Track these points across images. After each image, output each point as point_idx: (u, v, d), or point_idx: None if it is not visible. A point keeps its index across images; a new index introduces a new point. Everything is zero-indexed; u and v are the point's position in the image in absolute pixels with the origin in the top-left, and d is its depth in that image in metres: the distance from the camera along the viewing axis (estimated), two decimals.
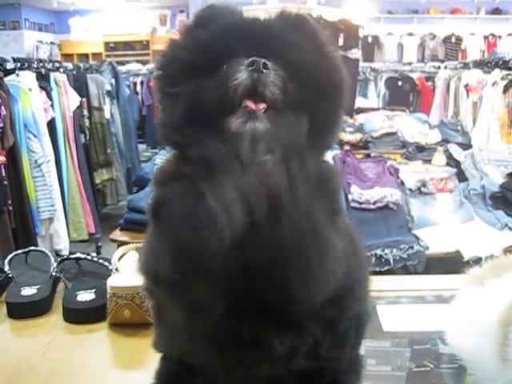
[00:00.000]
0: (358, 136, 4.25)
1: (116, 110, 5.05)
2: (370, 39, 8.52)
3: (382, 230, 2.84)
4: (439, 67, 6.56)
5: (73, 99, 3.98)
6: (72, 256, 1.20)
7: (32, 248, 1.24)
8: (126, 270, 1.05)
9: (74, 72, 4.38)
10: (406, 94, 6.85)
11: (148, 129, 6.72)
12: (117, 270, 1.07)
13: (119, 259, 1.11)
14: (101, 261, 1.16)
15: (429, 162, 3.78)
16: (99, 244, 4.19)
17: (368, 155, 3.57)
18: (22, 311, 1.02)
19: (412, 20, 9.28)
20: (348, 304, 0.60)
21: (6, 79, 3.20)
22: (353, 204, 2.92)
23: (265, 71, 0.54)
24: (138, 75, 7.34)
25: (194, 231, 0.49)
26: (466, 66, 5.54)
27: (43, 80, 3.64)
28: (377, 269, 2.63)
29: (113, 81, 5.11)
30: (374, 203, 2.94)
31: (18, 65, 3.45)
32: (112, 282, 0.96)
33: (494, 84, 4.46)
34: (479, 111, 4.69)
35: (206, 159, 0.52)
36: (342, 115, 0.60)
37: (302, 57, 0.57)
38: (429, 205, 3.14)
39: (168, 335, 0.62)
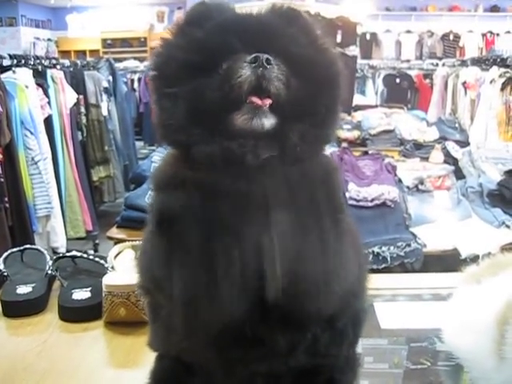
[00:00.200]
0: (355, 133, 4.24)
1: (113, 107, 5.03)
2: (368, 36, 8.51)
3: (379, 228, 2.84)
4: (437, 64, 6.56)
5: (70, 96, 3.97)
6: (68, 254, 1.20)
7: (27, 246, 1.23)
8: (122, 268, 1.04)
9: (71, 69, 4.36)
10: (403, 91, 6.84)
11: (145, 126, 6.70)
12: (113, 268, 1.06)
13: (115, 257, 1.10)
14: (97, 259, 1.15)
15: (426, 159, 3.77)
16: (96, 241, 4.19)
17: (366, 152, 3.57)
18: (18, 309, 1.01)
19: (410, 17, 9.27)
20: (347, 300, 0.60)
21: (3, 76, 3.19)
22: (350, 201, 2.91)
23: (268, 66, 0.54)
24: (135, 72, 7.33)
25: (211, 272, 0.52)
26: (463, 63, 5.54)
27: (40, 77, 3.62)
28: (374, 266, 2.62)
29: (110, 78, 5.10)
30: (372, 201, 2.93)
31: (15, 62, 3.44)
32: (107, 280, 0.96)
33: (491, 81, 4.46)
34: (477, 109, 4.69)
35: (212, 158, 0.52)
36: (340, 108, 0.60)
37: (300, 51, 0.57)
38: (426, 202, 3.14)
39: (164, 333, 0.61)
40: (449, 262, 2.73)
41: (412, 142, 4.13)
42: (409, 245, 2.79)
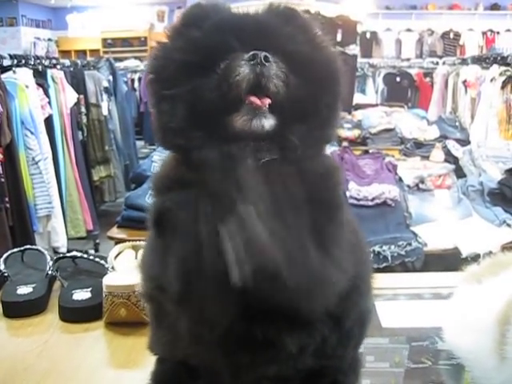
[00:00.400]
0: (356, 132, 4.24)
1: (114, 106, 5.03)
2: (368, 35, 8.49)
3: (380, 227, 2.83)
4: (437, 63, 6.56)
5: (70, 96, 3.97)
6: (68, 254, 1.20)
7: (28, 246, 1.23)
8: (122, 268, 1.04)
9: (72, 69, 4.36)
10: (404, 89, 6.85)
11: (146, 125, 6.70)
12: (113, 268, 1.06)
13: (115, 257, 1.10)
14: (97, 259, 1.15)
15: (427, 158, 3.77)
16: (97, 241, 4.19)
17: (366, 151, 3.56)
18: (18, 310, 1.01)
19: (410, 16, 9.25)
20: (354, 299, 0.59)
21: (3, 76, 3.19)
22: (351, 201, 2.91)
23: (267, 64, 0.53)
24: (135, 71, 7.33)
25: (200, 255, 0.49)
26: (464, 61, 5.54)
27: (40, 77, 3.62)
28: (375, 265, 2.62)
29: (110, 77, 5.10)
30: (372, 200, 2.93)
31: (15, 62, 3.44)
32: (108, 280, 0.96)
33: (492, 80, 4.45)
34: (477, 107, 4.68)
35: (211, 162, 0.52)
36: (340, 106, 0.60)
37: (298, 49, 0.57)
38: (427, 201, 3.14)
39: (169, 339, 0.61)
40: (450, 260, 2.73)
41: (412, 140, 4.12)
42: (409, 244, 2.79)
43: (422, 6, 9.39)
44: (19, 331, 0.98)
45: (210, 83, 0.54)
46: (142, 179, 2.85)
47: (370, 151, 3.54)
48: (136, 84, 7.21)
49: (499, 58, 4.57)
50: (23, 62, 3.53)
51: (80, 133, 4.23)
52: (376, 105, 5.36)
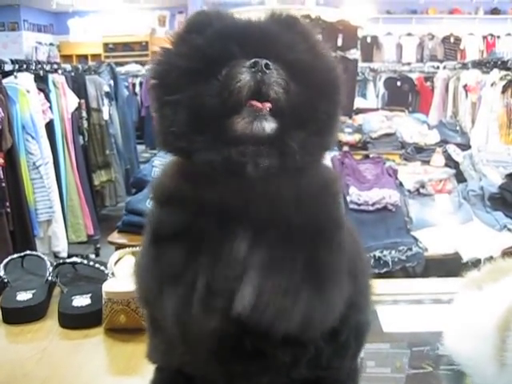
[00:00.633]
0: (356, 137, 4.24)
1: (115, 111, 5.04)
2: (368, 39, 8.52)
3: (380, 232, 2.83)
4: (438, 67, 6.58)
5: (71, 101, 3.98)
6: (68, 260, 1.19)
7: (28, 252, 1.23)
8: (122, 274, 1.04)
9: (73, 73, 4.37)
10: (404, 94, 6.85)
11: (147, 130, 6.70)
12: (113, 274, 1.06)
13: (115, 263, 1.10)
14: (97, 265, 1.15)
15: (427, 162, 3.76)
16: (98, 246, 4.19)
17: (367, 156, 3.56)
18: (18, 316, 1.01)
19: (411, 20, 9.28)
20: (351, 314, 0.60)
21: (4, 81, 3.20)
22: (351, 205, 2.90)
23: (267, 71, 0.54)
24: (137, 76, 7.34)
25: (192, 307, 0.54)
26: (464, 66, 5.55)
27: (41, 82, 3.63)
28: (375, 271, 2.61)
29: (111, 82, 5.11)
30: (373, 205, 2.93)
31: (16, 66, 3.45)
32: (107, 287, 0.96)
33: (492, 84, 4.46)
34: (478, 111, 4.69)
35: (212, 166, 0.53)
36: (340, 114, 0.60)
37: (299, 57, 0.57)
38: (427, 206, 3.13)
39: (165, 347, 0.61)
40: (450, 265, 2.72)
41: (413, 145, 4.12)
42: (410, 249, 2.78)
43: (422, 11, 9.42)
44: (19, 337, 0.98)
45: (211, 89, 0.55)
46: (142, 184, 2.85)
47: (371, 156, 3.54)
48: (137, 88, 7.22)
49: (500, 63, 4.58)
50: (24, 66, 3.54)
51: (81, 137, 4.23)
52: (377, 109, 5.35)
